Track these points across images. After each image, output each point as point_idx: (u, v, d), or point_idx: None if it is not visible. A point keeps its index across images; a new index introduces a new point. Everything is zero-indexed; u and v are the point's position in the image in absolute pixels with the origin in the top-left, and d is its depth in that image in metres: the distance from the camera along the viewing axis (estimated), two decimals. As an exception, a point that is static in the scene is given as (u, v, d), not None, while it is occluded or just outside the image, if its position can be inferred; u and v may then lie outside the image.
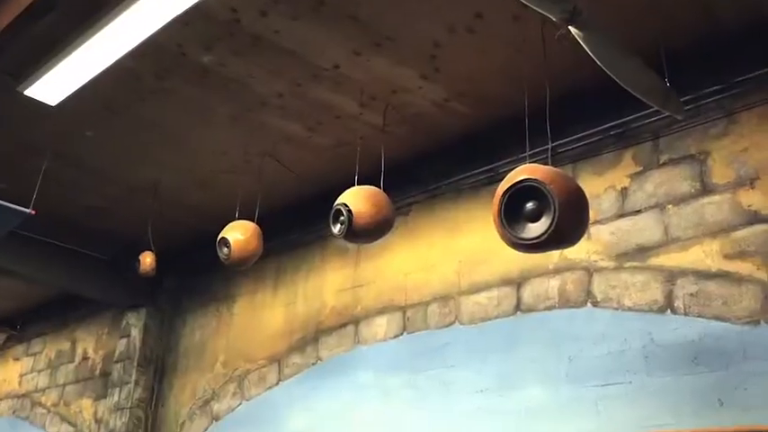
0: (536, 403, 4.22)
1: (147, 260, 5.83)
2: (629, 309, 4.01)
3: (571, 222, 3.20)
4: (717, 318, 3.70)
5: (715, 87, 3.94)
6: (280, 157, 5.30)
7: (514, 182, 3.23)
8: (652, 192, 4.14)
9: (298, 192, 5.71)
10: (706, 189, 3.94)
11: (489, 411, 4.39)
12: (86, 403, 7.61)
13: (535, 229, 3.20)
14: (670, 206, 4.04)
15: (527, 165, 3.38)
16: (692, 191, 3.98)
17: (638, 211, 4.16)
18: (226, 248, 4.81)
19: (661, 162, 4.16)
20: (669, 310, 3.87)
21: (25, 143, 5.30)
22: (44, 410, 8.24)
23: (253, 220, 4.97)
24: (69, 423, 7.74)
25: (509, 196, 3.24)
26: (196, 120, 4.94)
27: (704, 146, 3.99)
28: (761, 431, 3.38)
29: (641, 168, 4.23)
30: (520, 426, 4.23)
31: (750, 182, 3.77)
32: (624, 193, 4.26)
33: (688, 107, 3.87)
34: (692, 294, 3.81)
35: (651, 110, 3.91)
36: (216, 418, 6.13)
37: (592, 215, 4.06)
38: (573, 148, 4.49)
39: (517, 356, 4.39)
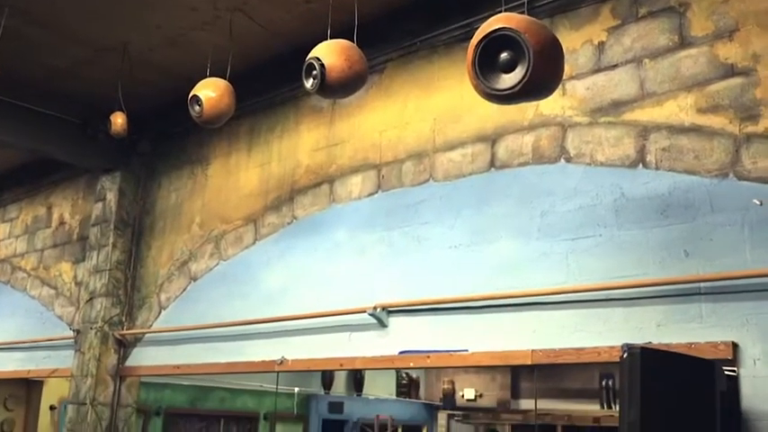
0: (508, 257, 4.31)
1: (119, 121, 5.75)
2: (602, 164, 4.04)
3: (546, 72, 3.17)
4: (687, 171, 3.74)
5: (698, -65, 3.83)
6: (250, 13, 5.15)
7: (489, 31, 3.16)
8: (629, 46, 4.08)
9: (270, 50, 5.59)
10: (684, 42, 3.88)
11: (462, 266, 4.48)
12: (66, 266, 7.69)
13: (509, 79, 3.16)
14: (647, 60, 3.99)
15: (502, 14, 3.31)
16: (670, 44, 3.93)
17: (615, 66, 4.12)
18: (197, 106, 4.75)
19: (640, 15, 4.08)
20: (641, 165, 3.90)
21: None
22: (24, 275, 8.32)
23: (225, 79, 4.89)
24: (50, 286, 7.84)
25: (483, 46, 3.18)
26: (162, -28, 4.75)
27: (685, -3, 3.91)
28: (723, 278, 3.48)
29: (619, 22, 4.16)
30: (492, 279, 4.33)
31: (729, 34, 3.72)
32: (601, 47, 4.20)
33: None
34: (664, 149, 3.83)
35: (632, -42, 3.80)
36: (194, 279, 6.23)
37: (568, 70, 4.03)
38: (550, 2, 4.39)
39: (490, 212, 4.44)
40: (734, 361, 3.39)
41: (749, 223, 3.49)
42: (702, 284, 3.56)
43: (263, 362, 5.41)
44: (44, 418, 14.27)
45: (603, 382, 18.57)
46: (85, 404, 6.49)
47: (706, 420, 3.09)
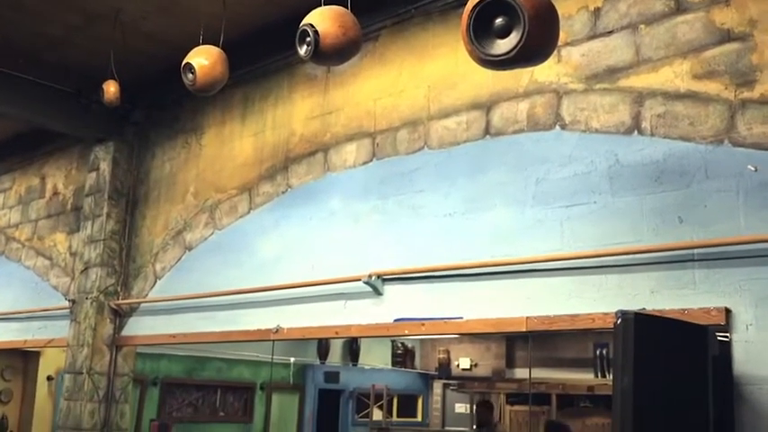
0: (503, 225, 4.31)
1: (111, 89, 5.70)
2: (597, 131, 4.03)
3: (541, 38, 3.14)
4: (682, 138, 3.73)
5: None
6: (243, -21, 5.10)
7: (484, -5, 3.13)
8: (625, 12, 4.05)
9: (263, 17, 5.53)
10: (680, 8, 3.85)
11: (457, 233, 4.49)
12: (60, 237, 7.68)
13: (504, 45, 3.13)
14: (642, 26, 3.96)
15: (497, -21, 3.27)
16: (666, 10, 3.90)
17: (610, 32, 4.08)
18: (191, 74, 4.72)
19: (636, -20, 4.04)
20: (636, 132, 3.89)
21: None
22: (19, 245, 8.32)
23: (218, 47, 4.85)
24: (44, 256, 7.84)
25: (478, 12, 3.15)
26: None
27: (682, -39, 3.88)
28: (717, 244, 3.49)
29: (615, -13, 4.12)
30: (486, 247, 4.34)
31: (725, -1, 3.70)
32: (597, 13, 4.16)
33: None
34: (659, 115, 3.82)
35: None
36: (189, 248, 6.23)
37: (563, 37, 4.02)
38: (546, -33, 4.34)
39: (485, 180, 4.44)
40: (726, 327, 3.41)
41: (744, 189, 3.49)
42: (696, 251, 3.57)
43: (258, 330, 5.43)
44: (41, 388, 14.34)
45: (598, 352, 18.71)
46: (82, 373, 6.52)
47: (698, 385, 3.11)
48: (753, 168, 3.46)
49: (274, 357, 15.27)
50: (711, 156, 3.61)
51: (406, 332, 4.63)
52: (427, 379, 20.98)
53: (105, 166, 6.90)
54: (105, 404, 6.54)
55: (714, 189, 3.58)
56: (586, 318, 3.85)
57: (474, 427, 10.55)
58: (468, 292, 4.36)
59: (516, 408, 17.92)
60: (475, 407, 9.94)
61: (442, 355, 20.62)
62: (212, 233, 6.04)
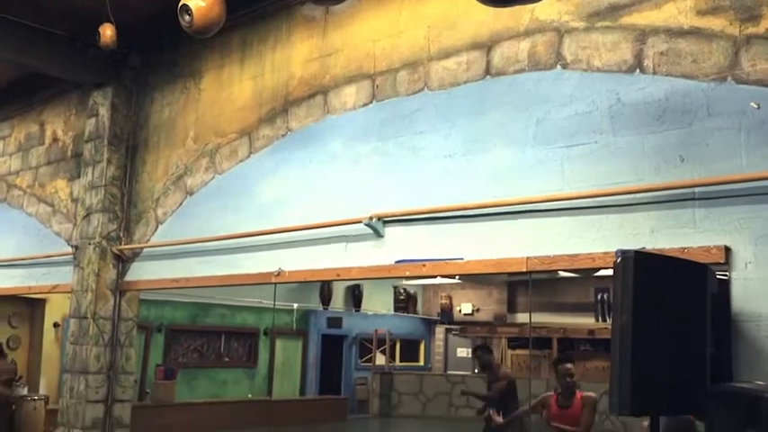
0: (503, 165, 4.30)
1: (108, 32, 5.63)
2: (598, 69, 3.99)
3: (542, -28, 3.09)
4: (685, 76, 3.69)
5: None
6: None
7: (484, -72, 3.07)
8: (629, -54, 3.97)
9: (261, -43, 5.44)
10: (685, -58, 3.77)
11: (457, 175, 4.48)
12: (61, 184, 7.67)
13: (505, -20, 3.09)
14: (646, -39, 3.89)
15: None
16: (670, -56, 3.82)
17: (613, -32, 4.01)
18: (187, 16, 4.64)
19: None
20: (638, 70, 3.84)
21: None
22: (20, 192, 8.31)
23: (215, -12, 4.77)
24: (46, 203, 7.84)
25: (479, -55, 3.09)
26: None
27: None
28: (718, 182, 3.48)
29: None
30: (486, 188, 4.33)
31: (731, -68, 3.61)
32: (600, -52, 4.08)
33: None
34: (661, 53, 3.77)
35: None
36: (190, 193, 6.22)
37: (565, -27, 3.93)
38: None
39: (485, 120, 4.41)
40: (726, 264, 3.42)
41: (746, 127, 3.46)
42: (697, 189, 3.56)
43: (260, 274, 5.46)
44: (48, 335, 14.52)
45: (598, 296, 18.90)
46: (87, 318, 6.58)
47: (697, 322, 3.12)
48: (755, 106, 3.43)
49: (277, 304, 15.45)
50: (714, 93, 3.58)
51: (407, 273, 4.65)
52: (429, 324, 21.24)
53: (104, 112, 6.85)
54: (110, 348, 6.62)
55: (716, 127, 3.55)
56: (586, 257, 3.87)
57: (476, 371, 10.68)
58: (468, 233, 4.36)
59: (518, 352, 18.17)
60: (473, 351, 10.03)
61: (443, 301, 20.84)
62: (213, 177, 6.03)
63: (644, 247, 3.59)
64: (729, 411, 2.65)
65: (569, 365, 5.95)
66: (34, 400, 12.30)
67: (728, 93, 3.53)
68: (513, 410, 8.10)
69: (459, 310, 20.64)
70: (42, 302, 14.25)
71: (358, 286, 19.07)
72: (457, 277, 17.84)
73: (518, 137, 4.25)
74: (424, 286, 20.95)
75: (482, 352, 9.12)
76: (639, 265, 2.97)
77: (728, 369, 3.25)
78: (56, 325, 14.31)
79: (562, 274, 15.70)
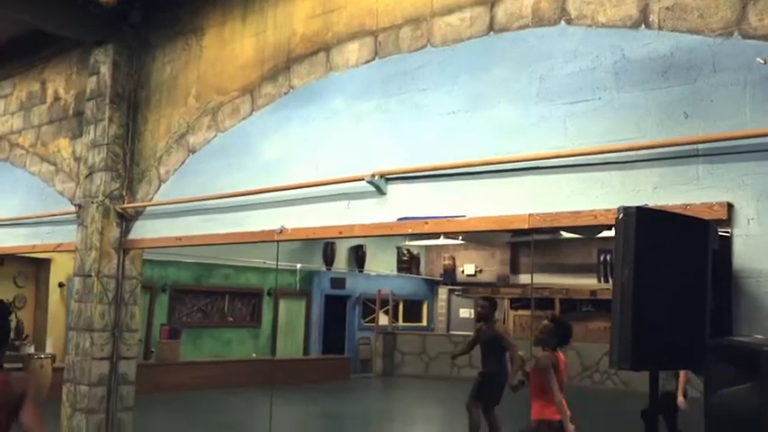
0: (506, 122, 4.28)
1: (108, -12, 5.58)
2: (603, 25, 3.95)
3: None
4: (690, 31, 3.65)
5: None
6: None
7: None
8: None
9: None
10: None
11: (460, 132, 4.46)
12: (63, 142, 7.66)
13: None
14: None
15: None
16: None
17: None
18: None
19: None
20: (643, 25, 3.80)
21: None
22: (23, 151, 8.30)
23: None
24: (49, 162, 7.84)
25: None
26: None
27: None
28: (722, 139, 3.46)
29: None
30: (490, 145, 4.32)
31: None
32: None
33: None
34: (667, 8, 3.73)
35: None
36: (192, 151, 6.21)
37: (571, -75, 3.87)
38: None
39: (489, 77, 4.38)
40: (728, 221, 3.42)
41: (751, 83, 3.44)
42: (700, 146, 3.55)
43: (262, 232, 5.47)
44: (54, 294, 14.65)
45: (601, 257, 18.95)
46: (91, 276, 6.61)
47: (698, 278, 3.13)
48: (762, 61, 3.40)
49: (280, 264, 15.53)
50: (720, 49, 3.54)
51: (410, 231, 4.66)
52: (432, 285, 21.35)
53: (105, 70, 6.81)
54: (115, 306, 6.66)
55: (721, 83, 3.53)
56: (589, 214, 3.87)
57: (476, 321, 10.78)
58: (471, 191, 4.36)
59: (520, 312, 18.30)
60: (480, 299, 10.10)
61: (446, 262, 20.93)
62: (215, 136, 6.01)
63: (646, 204, 3.58)
64: (728, 365, 2.66)
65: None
66: (41, 358, 12.47)
67: (734, 48, 3.50)
68: (502, 368, 8.08)
69: (462, 271, 20.73)
70: (47, 262, 14.35)
71: (361, 247, 19.15)
72: (460, 238, 17.90)
73: (521, 93, 4.22)
74: (427, 247, 21.03)
75: (487, 303, 9.17)
76: (641, 220, 2.97)
77: (728, 325, 3.26)
78: (61, 285, 14.43)
79: (565, 235, 15.75)
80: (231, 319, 17.36)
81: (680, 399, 7.95)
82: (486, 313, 9.00)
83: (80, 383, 6.55)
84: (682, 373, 7.73)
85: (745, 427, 2.55)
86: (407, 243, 20.32)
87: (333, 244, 18.31)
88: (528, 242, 17.82)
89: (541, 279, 18.46)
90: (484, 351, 8.70)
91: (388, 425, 12.72)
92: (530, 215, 4.08)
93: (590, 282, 18.41)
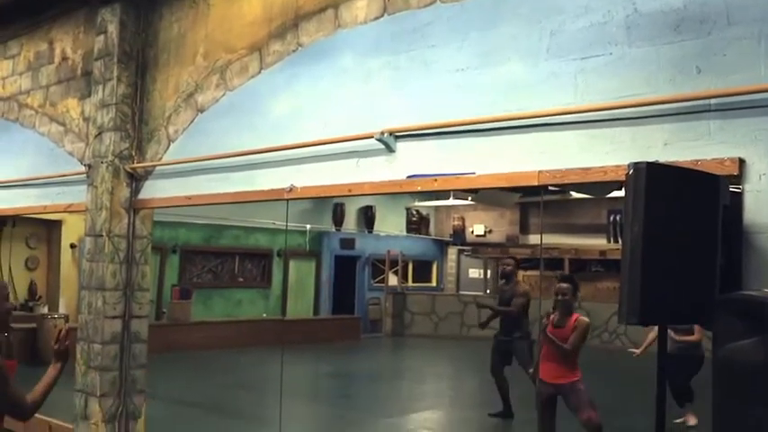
0: (516, 79, 4.24)
1: (113, -55, 5.53)
2: (615, -22, 3.88)
3: None
4: (704, -17, 3.59)
5: None
6: None
7: None
8: None
9: None
10: None
11: (470, 88, 4.43)
12: (72, 102, 7.65)
13: None
14: None
15: None
16: None
17: None
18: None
19: None
20: (656, -22, 3.74)
21: None
22: (32, 112, 8.29)
23: None
24: (58, 123, 7.83)
25: None
26: None
27: None
28: (735, 93, 3.42)
29: None
30: (500, 101, 4.29)
31: None
32: None
33: None
34: (681, -40, 3.66)
35: None
36: (201, 110, 6.19)
37: None
38: None
39: (498, 33, 4.33)
40: (739, 177, 3.40)
41: (766, 36, 3.39)
42: (713, 101, 3.51)
43: (272, 190, 5.48)
44: (66, 255, 14.79)
45: (611, 218, 18.93)
46: (102, 236, 6.65)
47: (708, 234, 3.12)
48: (776, 13, 3.35)
49: (290, 225, 15.58)
50: (734, 1, 3.48)
51: (419, 188, 4.65)
52: (442, 245, 21.42)
53: (113, 29, 6.77)
54: (126, 265, 6.71)
55: (735, 36, 3.48)
56: (598, 170, 3.85)
57: (499, 280, 10.91)
58: (480, 148, 4.34)
59: (529, 273, 18.33)
60: (499, 260, 10.27)
61: (456, 222, 20.96)
62: (224, 94, 5.99)
63: (657, 160, 3.56)
64: (736, 319, 2.66)
65: (564, 285, 6.24)
66: (54, 318, 12.64)
67: (749, 0, 3.44)
68: (525, 328, 8.21)
69: (472, 232, 20.77)
70: (58, 224, 14.47)
71: (370, 208, 19.18)
72: (469, 198, 17.88)
73: (531, 49, 4.18)
74: (436, 208, 21.06)
75: (509, 262, 9.23)
76: (652, 176, 2.96)
77: (738, 280, 3.26)
78: (72, 246, 14.56)
79: (575, 195, 15.72)
80: (241, 279, 17.49)
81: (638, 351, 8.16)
82: (511, 271, 9.04)
83: (93, 342, 6.63)
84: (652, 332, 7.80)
85: (753, 381, 2.56)
86: (417, 204, 20.34)
87: (342, 205, 18.36)
88: (537, 202, 17.80)
89: (551, 239, 18.48)
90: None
91: (398, 383, 12.86)
92: (539, 172, 4.07)
93: (600, 242, 18.41)
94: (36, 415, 7.62)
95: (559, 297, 6.27)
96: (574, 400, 6.06)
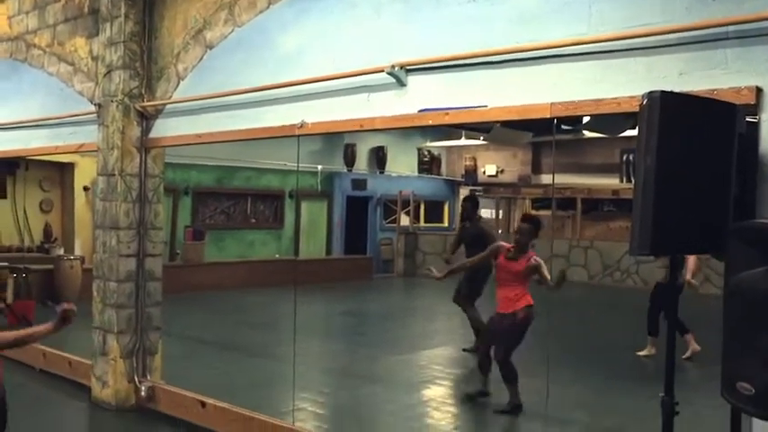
0: (528, 10, 4.16)
1: None
2: None
3: None
4: None
5: None
6: None
7: None
8: None
9: None
10: None
11: (481, 20, 4.34)
12: (80, 41, 7.58)
13: None
14: None
15: None
16: None
17: None
18: None
19: None
20: None
21: None
22: (40, 52, 8.24)
23: None
24: (67, 62, 7.79)
25: None
26: None
27: None
28: (753, 20, 3.34)
29: None
30: (511, 33, 4.21)
31: None
32: None
33: None
34: None
35: None
36: (210, 47, 6.13)
37: None
38: None
39: (511, -38, 4.23)
40: (756, 106, 3.34)
41: (786, -40, 3.29)
42: (730, 28, 3.43)
43: (283, 126, 5.45)
44: (79, 198, 14.87)
45: (624, 157, 18.81)
46: (114, 175, 6.67)
47: (722, 164, 3.09)
48: (798, -64, 3.25)
49: (301, 166, 15.57)
50: (752, -76, 3.38)
51: (430, 122, 4.61)
52: (453, 185, 21.38)
53: (119, -35, 6.67)
54: (139, 204, 6.74)
55: (754, -40, 3.38)
56: (612, 102, 3.79)
57: (459, 221, 11.20)
58: (492, 80, 4.29)
59: (541, 212, 18.33)
60: (461, 201, 10.43)
61: (468, 162, 20.88)
62: (232, 30, 5.91)
63: (672, 90, 3.50)
64: (749, 247, 2.65)
65: (524, 225, 6.59)
66: (70, 259, 12.78)
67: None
68: (485, 263, 8.18)
69: (484, 172, 20.70)
70: (71, 167, 14.51)
71: (382, 148, 19.11)
72: (482, 138, 17.77)
73: (545, -16, 4.09)
74: (448, 148, 20.95)
75: (469, 202, 9.56)
76: (666, 105, 2.90)
77: (752, 209, 3.24)
78: (86, 189, 14.61)
79: (587, 134, 15.58)
80: (254, 220, 17.57)
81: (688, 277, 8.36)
82: (469, 213, 9.46)
83: (109, 280, 6.70)
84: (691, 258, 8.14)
85: (764, 309, 2.55)
86: (428, 144, 20.25)
87: (353, 145, 18.30)
88: (549, 142, 17.69)
89: (563, 179, 18.41)
90: (468, 249, 9.07)
91: (410, 320, 13.00)
92: (551, 104, 4.02)
93: (612, 182, 18.33)
94: (56, 352, 7.80)
95: (517, 236, 6.68)
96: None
